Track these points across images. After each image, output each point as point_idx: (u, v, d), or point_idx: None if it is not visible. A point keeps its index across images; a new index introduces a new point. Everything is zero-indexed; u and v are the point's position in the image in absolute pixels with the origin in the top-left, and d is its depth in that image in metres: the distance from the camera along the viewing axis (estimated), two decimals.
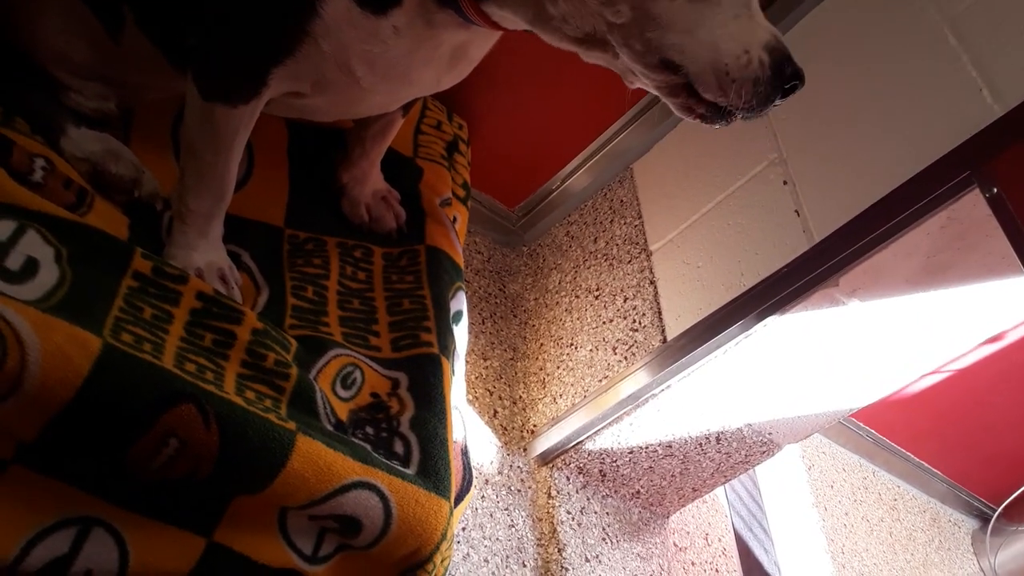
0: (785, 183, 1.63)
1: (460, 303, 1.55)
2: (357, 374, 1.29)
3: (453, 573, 1.49)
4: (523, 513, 1.72)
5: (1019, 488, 3.41)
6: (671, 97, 1.04)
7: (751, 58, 0.95)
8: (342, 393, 1.26)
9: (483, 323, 1.98)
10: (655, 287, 1.77)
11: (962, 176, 1.29)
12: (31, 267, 1.03)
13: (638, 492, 1.91)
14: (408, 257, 1.55)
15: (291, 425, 1.04)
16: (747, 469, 1.94)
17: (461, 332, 1.52)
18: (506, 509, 1.70)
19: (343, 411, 1.22)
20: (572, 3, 1.00)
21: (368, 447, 1.15)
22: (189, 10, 1.12)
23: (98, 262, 1.09)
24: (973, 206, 1.31)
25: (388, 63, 1.12)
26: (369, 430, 1.23)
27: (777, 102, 0.99)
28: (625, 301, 1.82)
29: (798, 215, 1.56)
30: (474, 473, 1.50)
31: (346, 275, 1.46)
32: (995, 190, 1.24)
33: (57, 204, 1.12)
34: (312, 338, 1.30)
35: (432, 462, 1.20)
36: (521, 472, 1.79)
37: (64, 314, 0.99)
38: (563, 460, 1.80)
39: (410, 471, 1.16)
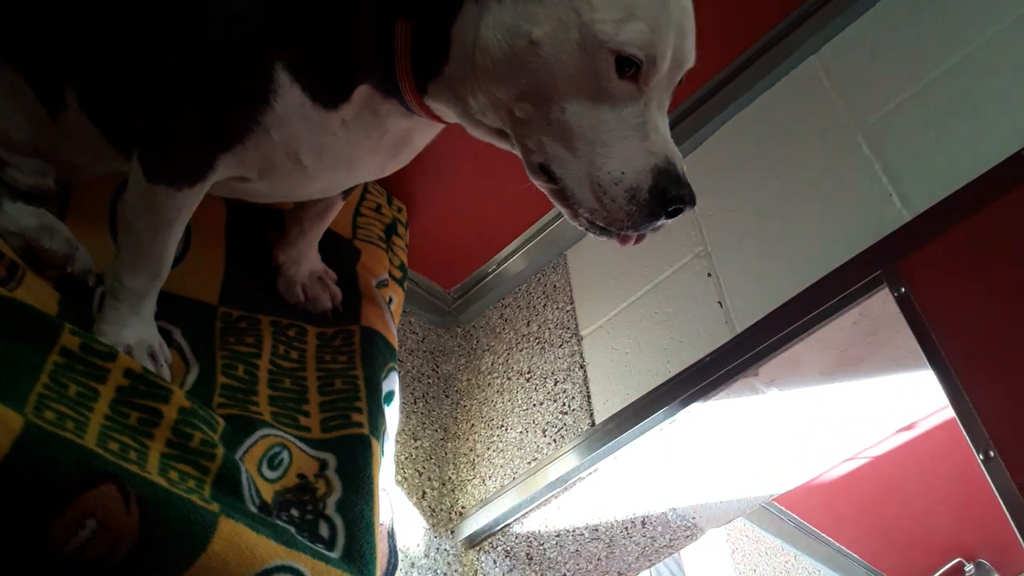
0: (709, 275, 1.70)
1: (392, 383, 1.56)
2: (284, 455, 1.29)
3: None
4: None
5: (934, 573, 3.49)
6: (555, 201, 1.05)
7: (628, 180, 0.96)
8: (268, 474, 1.25)
9: (415, 403, 1.99)
10: (585, 371, 1.81)
11: (873, 275, 1.37)
12: None
13: (564, 575, 1.92)
14: (342, 337, 1.56)
15: (214, 507, 1.03)
16: (672, 553, 1.96)
17: (392, 413, 1.53)
18: None
19: (268, 492, 1.21)
20: (489, 96, 1.03)
21: (292, 530, 1.14)
22: (139, 93, 1.13)
23: (25, 337, 1.08)
24: (883, 304, 1.39)
25: (335, 152, 1.15)
26: (294, 512, 1.22)
27: (662, 222, 0.99)
28: (556, 384, 1.85)
29: (721, 306, 1.62)
30: (400, 556, 1.49)
31: (278, 354, 1.47)
32: (903, 289, 1.32)
33: None
34: (240, 417, 1.29)
35: (357, 545, 1.19)
36: (448, 555, 1.78)
37: None
38: (491, 543, 1.79)
39: (334, 554, 1.16)
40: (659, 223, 0.99)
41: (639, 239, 1.03)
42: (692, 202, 0.98)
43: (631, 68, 0.96)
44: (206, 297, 1.47)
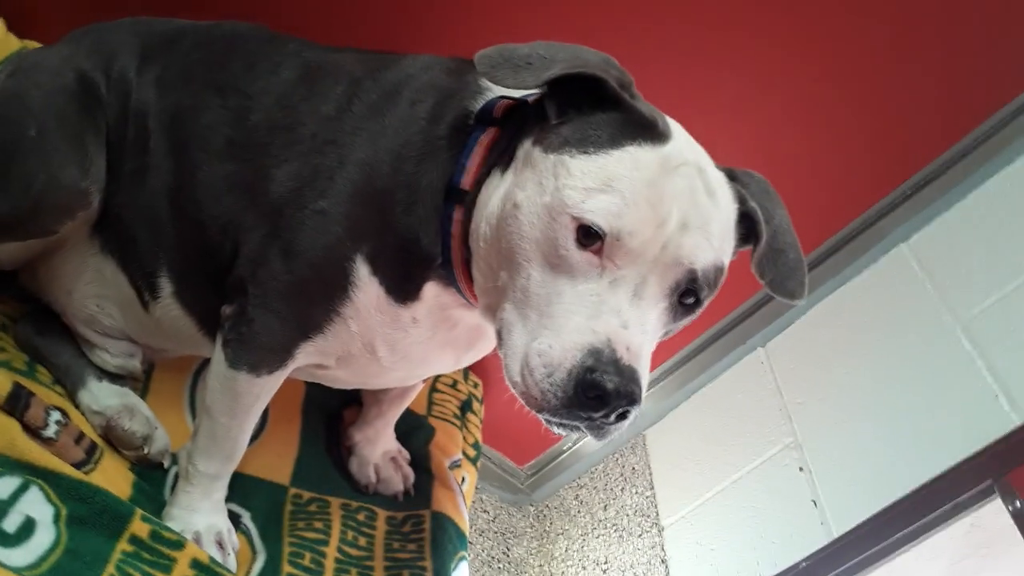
0: (801, 469, 1.60)
1: (462, 574, 1.49)
2: None
3: None
4: None
5: None
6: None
7: (551, 355, 0.87)
8: None
9: None
10: (667, 567, 1.70)
11: (984, 485, 1.27)
12: (28, 528, 1.01)
13: None
14: (412, 523, 1.50)
15: None
16: None
17: None
18: None
19: None
20: (481, 267, 1.00)
21: None
22: (228, 282, 1.16)
23: (96, 524, 1.07)
24: (997, 515, 1.28)
25: (408, 346, 1.15)
26: None
27: (599, 419, 0.87)
28: None
29: (815, 505, 1.52)
30: None
31: (347, 540, 1.41)
32: (1018, 503, 1.21)
33: (66, 461, 1.11)
34: None
35: None
36: None
37: None
38: None
39: None
40: (589, 417, 0.87)
41: (579, 431, 0.91)
42: (622, 396, 0.85)
43: (595, 241, 0.90)
44: (278, 478, 1.45)
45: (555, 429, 0.92)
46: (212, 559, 1.16)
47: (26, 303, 1.31)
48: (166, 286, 1.21)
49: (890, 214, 1.79)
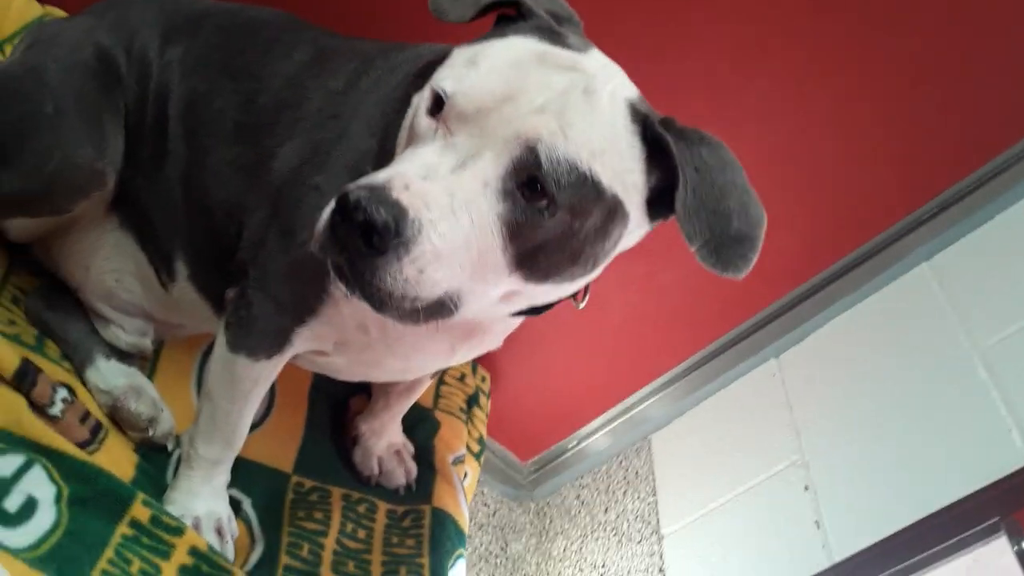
0: (806, 488, 1.59)
1: (459, 572, 1.49)
2: None
3: None
4: None
5: None
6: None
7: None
8: None
9: None
10: None
11: (990, 522, 1.25)
12: (29, 508, 1.02)
13: None
14: (412, 518, 1.50)
15: None
16: None
17: None
18: None
19: None
20: None
21: None
22: (233, 266, 1.15)
23: (97, 506, 1.08)
24: (1000, 554, 1.26)
25: (400, 328, 1.09)
26: None
27: (361, 252, 0.79)
28: None
29: (818, 527, 1.51)
30: None
31: (346, 532, 1.41)
32: (1023, 544, 1.20)
33: (70, 440, 1.11)
34: None
35: None
36: None
37: (50, 567, 0.99)
38: None
39: None
40: (344, 246, 0.80)
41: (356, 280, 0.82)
42: (361, 208, 0.77)
43: (442, 107, 0.86)
44: (281, 465, 1.45)
45: (334, 274, 0.85)
46: (211, 547, 1.16)
47: (39, 276, 1.30)
48: (182, 270, 1.21)
49: (914, 231, 1.76)
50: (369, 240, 0.78)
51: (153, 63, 1.21)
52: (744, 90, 1.59)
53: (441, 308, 0.85)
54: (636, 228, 0.93)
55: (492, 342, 1.23)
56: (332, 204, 0.80)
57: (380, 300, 0.82)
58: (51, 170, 1.10)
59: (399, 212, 0.78)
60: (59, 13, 1.49)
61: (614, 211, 0.88)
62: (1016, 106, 1.61)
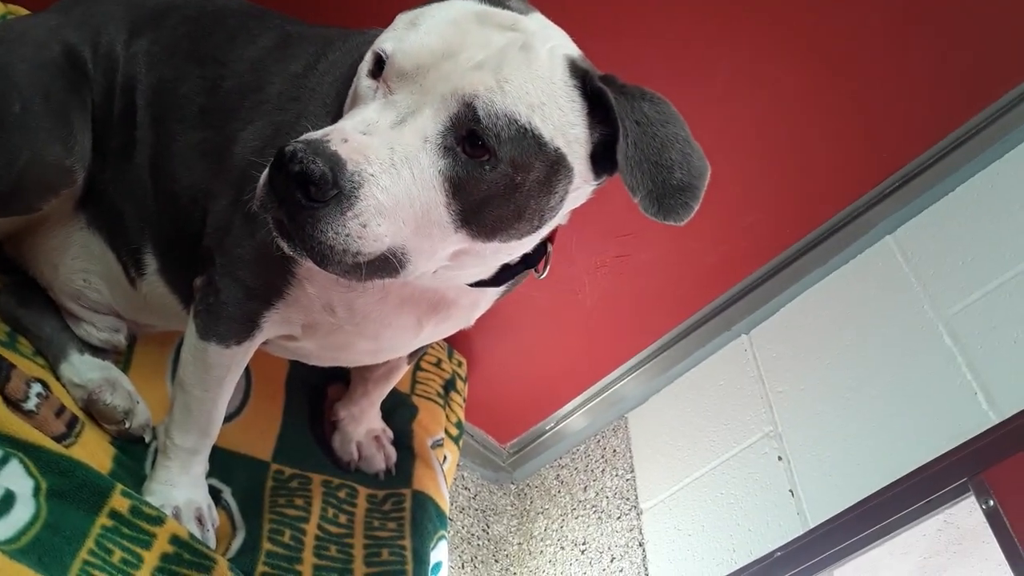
0: (780, 459, 1.62)
1: (441, 553, 1.50)
2: None
3: None
4: None
5: None
6: None
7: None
8: None
9: (463, 567, 1.90)
10: (644, 550, 1.72)
11: (959, 482, 1.28)
12: (7, 502, 1.02)
13: None
14: (393, 501, 1.51)
15: None
16: None
17: None
18: None
19: None
20: None
21: None
22: (199, 253, 1.15)
23: (76, 498, 1.08)
24: (970, 513, 1.30)
25: (364, 305, 1.11)
26: None
27: (298, 204, 0.79)
28: (612, 561, 1.76)
29: (792, 495, 1.54)
30: None
31: (327, 517, 1.42)
32: (991, 502, 1.23)
33: (46, 434, 1.11)
34: None
35: None
36: None
37: (30, 559, 0.98)
38: None
39: None
40: (283, 197, 0.79)
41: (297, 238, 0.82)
42: (298, 160, 0.77)
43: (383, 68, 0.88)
44: (260, 454, 1.45)
45: (275, 231, 0.85)
46: (192, 535, 1.16)
47: (10, 273, 1.30)
48: (151, 263, 1.21)
49: (878, 205, 1.79)
50: (307, 191, 0.78)
51: (120, 56, 1.20)
52: (709, 70, 1.61)
53: (386, 265, 0.85)
54: (583, 183, 0.94)
55: (461, 318, 1.22)
56: (271, 161, 0.80)
57: (322, 254, 0.81)
58: (20, 168, 1.10)
59: (336, 163, 0.78)
60: (21, 11, 1.48)
61: (557, 164, 0.89)
62: (972, 80, 1.64)
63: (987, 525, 1.25)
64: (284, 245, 0.84)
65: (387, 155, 0.82)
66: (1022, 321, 1.42)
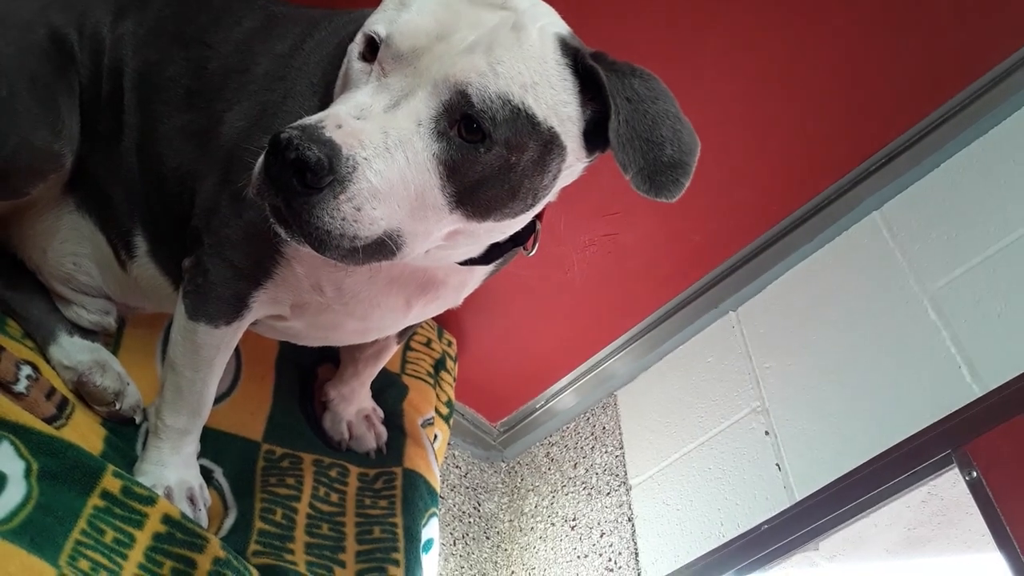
0: (767, 433, 1.64)
1: (432, 531, 1.52)
2: None
3: None
4: None
5: None
6: None
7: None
8: None
9: (454, 544, 1.92)
10: (633, 525, 1.74)
11: (942, 455, 1.30)
12: None
13: None
14: (384, 480, 1.52)
15: None
16: None
17: (431, 561, 1.47)
18: None
19: None
20: None
21: None
22: (187, 234, 1.15)
23: (68, 479, 1.08)
24: (953, 484, 1.32)
25: (353, 284, 1.12)
26: None
27: (296, 193, 0.79)
28: (602, 536, 1.78)
29: (779, 469, 1.56)
30: None
31: (318, 496, 1.43)
32: (974, 473, 1.25)
33: (36, 416, 1.11)
34: (274, 568, 1.25)
35: None
36: None
37: (23, 540, 0.98)
38: None
39: None
40: (279, 185, 0.80)
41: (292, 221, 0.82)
42: (293, 147, 0.77)
43: (376, 51, 0.88)
44: (251, 434, 1.45)
45: (271, 218, 0.85)
46: (183, 514, 1.17)
47: None
48: (141, 244, 1.21)
49: (864, 182, 1.80)
50: (303, 178, 0.79)
51: (106, 39, 1.19)
52: (697, 47, 1.61)
53: (382, 247, 0.86)
54: (575, 161, 0.95)
55: (449, 297, 1.22)
56: (266, 148, 0.80)
57: (319, 239, 0.82)
58: (7, 153, 1.09)
59: (332, 149, 0.78)
60: None
61: (551, 143, 0.90)
62: (958, 56, 1.65)
63: (970, 496, 1.27)
64: (281, 231, 0.85)
65: (381, 139, 0.82)
66: (1005, 295, 1.44)
